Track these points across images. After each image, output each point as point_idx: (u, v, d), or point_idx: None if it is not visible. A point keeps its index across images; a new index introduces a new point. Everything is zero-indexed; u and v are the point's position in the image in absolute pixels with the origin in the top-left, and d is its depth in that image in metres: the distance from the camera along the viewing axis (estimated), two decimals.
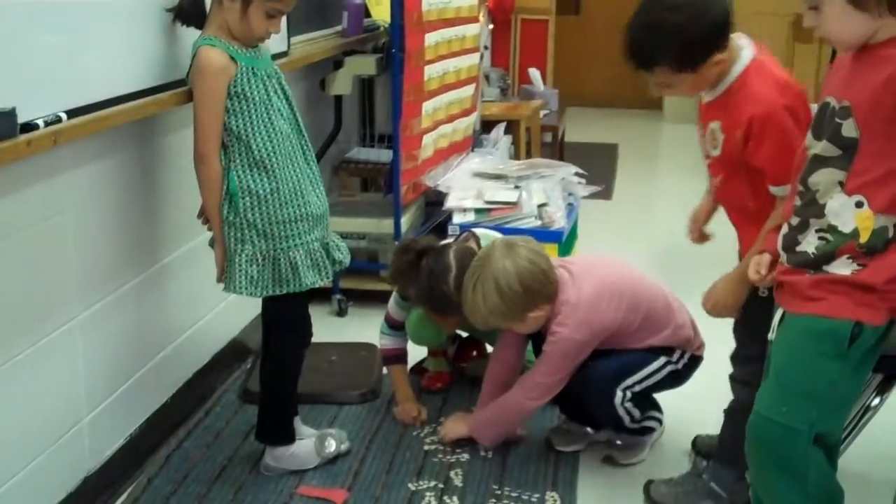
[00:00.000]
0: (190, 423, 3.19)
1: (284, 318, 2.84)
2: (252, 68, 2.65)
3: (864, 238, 1.95)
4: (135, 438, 2.93)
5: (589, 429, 3.07)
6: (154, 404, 3.06)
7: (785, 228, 2.10)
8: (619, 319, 2.82)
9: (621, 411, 2.86)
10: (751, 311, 2.43)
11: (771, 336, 2.14)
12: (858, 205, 1.94)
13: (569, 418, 3.09)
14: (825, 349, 2.01)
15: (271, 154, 2.66)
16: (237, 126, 2.63)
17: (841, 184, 1.96)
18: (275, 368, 2.87)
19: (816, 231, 2.00)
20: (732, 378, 2.67)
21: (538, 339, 2.95)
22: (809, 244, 2.02)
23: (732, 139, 2.36)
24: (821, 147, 1.98)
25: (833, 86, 2.01)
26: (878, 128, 1.90)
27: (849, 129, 1.93)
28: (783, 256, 2.09)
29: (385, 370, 3.41)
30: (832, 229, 1.98)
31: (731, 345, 2.71)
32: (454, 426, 3.06)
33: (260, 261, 2.68)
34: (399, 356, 3.35)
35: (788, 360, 2.07)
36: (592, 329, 2.79)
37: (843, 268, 1.98)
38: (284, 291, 2.71)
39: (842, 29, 1.93)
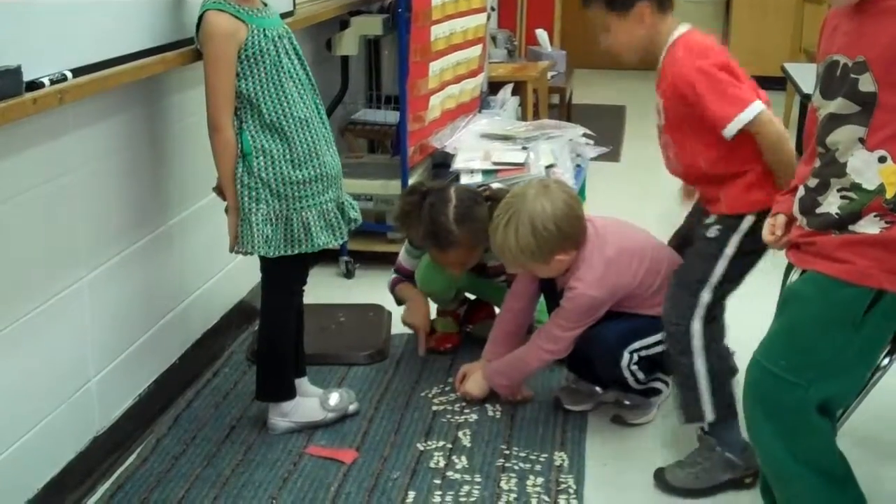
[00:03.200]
0: (198, 383, 3.19)
1: (280, 274, 2.81)
2: (263, 30, 2.63)
3: (890, 193, 1.90)
4: (143, 399, 2.93)
5: (597, 388, 3.06)
6: (162, 365, 3.06)
7: (801, 191, 2.05)
8: (638, 280, 2.82)
9: (626, 373, 2.85)
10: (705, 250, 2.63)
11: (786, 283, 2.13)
12: (882, 160, 1.90)
13: (577, 377, 3.09)
14: (838, 315, 1.98)
15: (282, 117, 2.64)
16: (248, 89, 2.61)
17: (861, 140, 1.91)
18: (268, 324, 2.86)
19: (839, 191, 1.95)
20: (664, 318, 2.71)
21: (551, 294, 2.95)
22: (831, 204, 1.97)
23: (668, 105, 2.58)
24: (836, 105, 1.94)
25: (838, 44, 1.97)
26: None
27: (866, 83, 1.89)
28: (802, 220, 2.05)
29: (394, 294, 3.48)
30: (856, 187, 1.93)
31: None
32: (476, 383, 3.05)
33: (273, 220, 2.66)
34: (403, 279, 3.44)
35: (799, 317, 2.05)
36: (610, 287, 2.79)
37: (870, 226, 1.93)
38: (297, 251, 2.71)
39: None
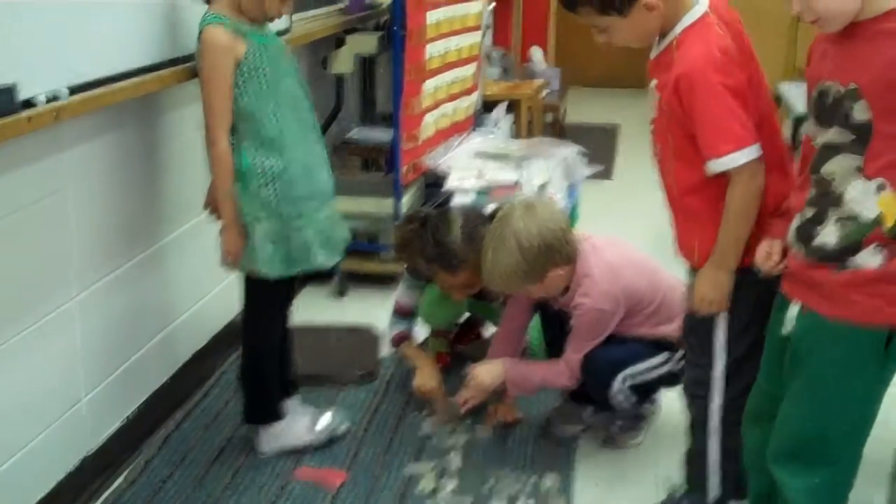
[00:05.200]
0: (188, 404, 3.18)
1: (268, 294, 2.78)
2: (263, 45, 2.63)
3: (889, 223, 1.86)
4: (133, 420, 2.92)
5: (588, 410, 3.06)
6: (152, 386, 3.05)
7: (797, 220, 2.01)
8: (642, 289, 2.81)
9: (619, 398, 2.85)
10: (701, 321, 2.33)
11: (785, 330, 2.06)
12: (880, 188, 1.86)
13: (568, 398, 3.09)
14: (862, 356, 1.96)
15: (282, 132, 2.63)
16: (247, 104, 2.60)
17: (859, 169, 1.87)
18: (252, 346, 2.85)
19: (837, 221, 1.92)
20: (684, 387, 2.51)
21: (550, 319, 2.96)
22: (829, 235, 1.93)
23: (663, 101, 2.21)
24: (830, 135, 1.91)
25: (828, 69, 1.92)
26: (892, 106, 1.83)
27: (860, 111, 1.85)
28: (798, 248, 2.00)
29: (398, 352, 3.36)
30: (854, 217, 1.89)
31: None
32: (490, 370, 2.98)
33: (274, 239, 2.66)
34: (408, 336, 3.33)
35: (824, 371, 2.01)
36: (616, 298, 2.78)
37: (870, 259, 1.89)
38: (297, 270, 2.70)
39: (834, 1, 1.84)
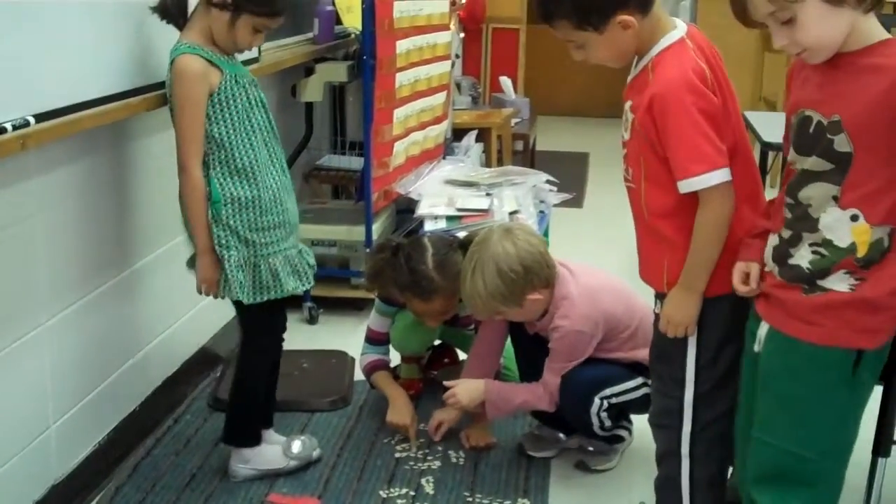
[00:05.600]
0: (159, 431, 3.16)
1: (259, 322, 2.82)
2: (235, 75, 2.64)
3: (861, 252, 1.89)
4: (103, 446, 2.90)
5: (561, 434, 3.06)
6: (123, 412, 3.03)
7: (775, 240, 2.03)
8: (619, 312, 2.83)
9: (595, 420, 2.86)
10: (670, 349, 2.32)
11: (756, 348, 2.08)
12: (854, 218, 1.89)
13: (541, 423, 3.09)
14: (831, 378, 1.96)
15: (253, 161, 2.65)
16: (219, 133, 2.62)
17: (835, 198, 1.90)
18: (244, 371, 2.85)
19: (810, 245, 1.94)
20: (650, 418, 2.49)
21: (524, 342, 2.98)
22: (803, 258, 1.95)
23: (637, 121, 2.20)
24: (810, 163, 1.92)
25: (809, 98, 1.93)
26: (873, 141, 1.84)
27: (841, 143, 1.86)
28: (773, 269, 2.02)
29: (370, 381, 3.33)
30: (827, 244, 1.92)
31: None
32: (469, 389, 2.96)
33: (244, 266, 2.67)
34: (384, 364, 3.33)
35: (794, 391, 2.01)
36: (595, 319, 2.80)
37: (839, 283, 1.92)
38: (266, 298, 2.71)
39: (823, 32, 1.83)
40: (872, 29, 1.87)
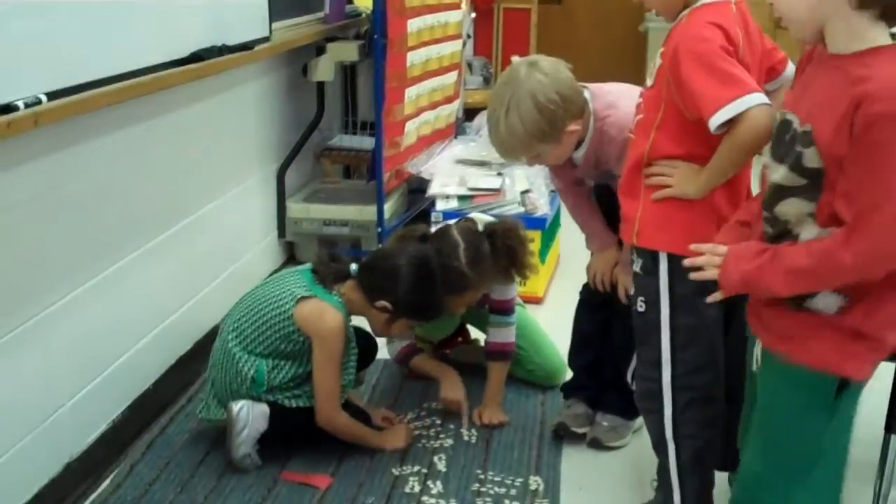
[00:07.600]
0: (173, 409, 3.17)
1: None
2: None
3: None
4: (117, 424, 2.91)
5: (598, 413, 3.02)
6: (137, 390, 3.04)
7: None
8: None
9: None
10: (643, 330, 2.32)
11: (754, 367, 2.00)
12: None
13: (575, 401, 3.06)
14: (811, 401, 1.85)
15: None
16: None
17: (812, 216, 1.76)
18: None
19: None
20: (636, 401, 2.48)
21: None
22: None
23: (665, 65, 2.16)
24: (781, 175, 1.78)
25: (795, 99, 1.83)
26: (839, 159, 1.69)
27: (811, 158, 1.72)
28: None
29: (407, 367, 3.35)
30: None
31: None
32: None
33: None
34: (416, 349, 3.32)
35: (771, 412, 1.93)
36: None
37: (827, 304, 1.79)
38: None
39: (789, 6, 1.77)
40: (870, 33, 1.70)
